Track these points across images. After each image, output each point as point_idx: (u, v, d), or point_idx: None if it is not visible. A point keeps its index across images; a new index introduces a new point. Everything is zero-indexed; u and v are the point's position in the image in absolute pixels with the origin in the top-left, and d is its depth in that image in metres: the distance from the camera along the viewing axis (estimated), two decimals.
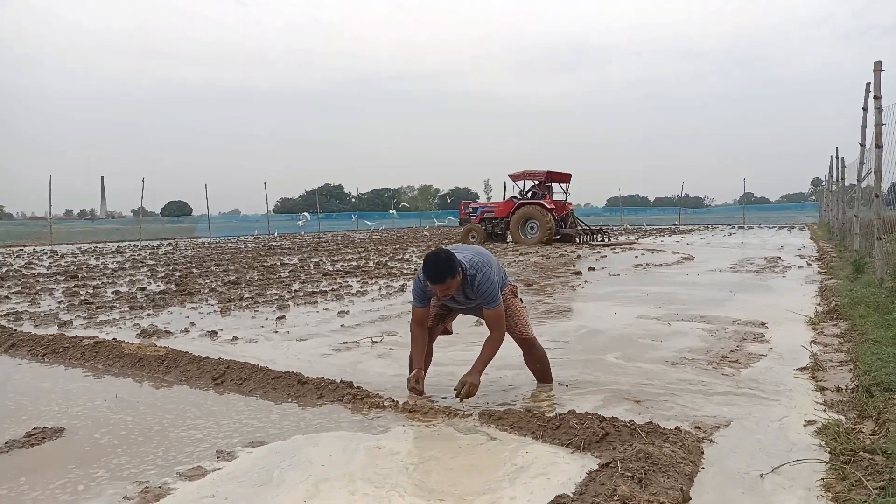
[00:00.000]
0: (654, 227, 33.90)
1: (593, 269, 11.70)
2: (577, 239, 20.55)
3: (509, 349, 3.87)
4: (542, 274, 10.92)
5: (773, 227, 31.99)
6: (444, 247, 3.79)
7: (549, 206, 20.16)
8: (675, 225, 37.20)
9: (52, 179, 26.19)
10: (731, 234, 26.76)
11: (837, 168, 16.96)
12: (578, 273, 10.86)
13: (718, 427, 3.23)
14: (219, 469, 2.75)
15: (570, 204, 22.15)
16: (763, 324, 5.94)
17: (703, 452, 2.88)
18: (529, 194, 21.25)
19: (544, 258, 14.20)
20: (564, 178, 21.89)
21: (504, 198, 22.83)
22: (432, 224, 48.78)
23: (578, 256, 14.70)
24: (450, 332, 4.26)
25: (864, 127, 9.66)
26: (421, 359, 3.73)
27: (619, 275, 10.70)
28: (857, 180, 10.78)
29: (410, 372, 3.74)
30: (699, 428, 3.21)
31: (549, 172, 21.15)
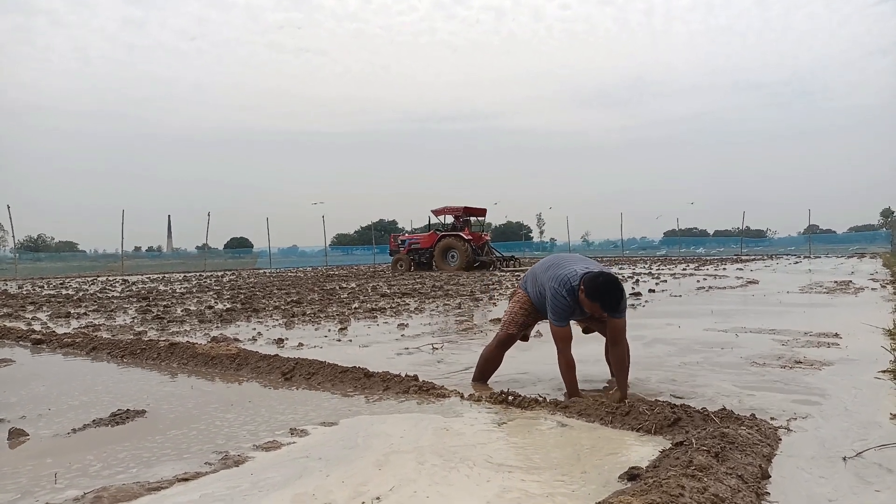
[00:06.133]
0: (715, 258, 32.92)
1: (653, 290, 11.48)
2: (492, 265, 22.66)
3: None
4: None
5: (842, 257, 30.60)
6: (602, 269, 3.62)
7: (466, 237, 22.50)
8: (736, 256, 36.09)
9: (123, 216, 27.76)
10: (796, 262, 25.76)
11: None
12: (638, 294, 10.68)
13: (796, 418, 3.12)
14: (293, 443, 2.83)
15: (486, 235, 24.50)
16: (837, 335, 5.70)
17: (780, 439, 2.79)
18: (450, 227, 23.50)
19: None
20: (480, 212, 24.59)
21: (429, 230, 24.88)
22: None
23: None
24: (526, 340, 4.31)
25: None
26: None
27: (680, 296, 10.47)
28: None
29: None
30: (774, 419, 3.10)
31: (465, 208, 23.81)
